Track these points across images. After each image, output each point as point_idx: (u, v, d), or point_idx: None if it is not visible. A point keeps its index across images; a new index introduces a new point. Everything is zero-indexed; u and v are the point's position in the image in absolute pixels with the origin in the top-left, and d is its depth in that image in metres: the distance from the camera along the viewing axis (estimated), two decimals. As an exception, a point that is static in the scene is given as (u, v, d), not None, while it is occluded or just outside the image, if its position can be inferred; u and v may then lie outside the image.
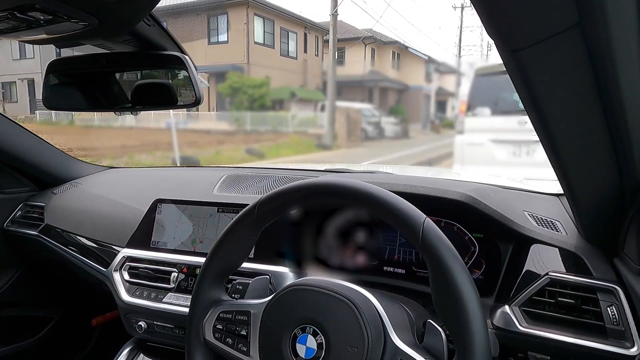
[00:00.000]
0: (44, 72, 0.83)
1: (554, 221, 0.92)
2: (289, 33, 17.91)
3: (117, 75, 0.90)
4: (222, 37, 16.20)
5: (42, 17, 0.55)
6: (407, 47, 22.26)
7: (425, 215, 0.57)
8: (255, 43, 16.43)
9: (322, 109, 15.35)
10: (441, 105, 25.74)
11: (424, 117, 22.97)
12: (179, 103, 0.87)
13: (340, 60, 20.14)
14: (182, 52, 0.80)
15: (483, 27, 0.47)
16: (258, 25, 16.37)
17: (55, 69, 0.84)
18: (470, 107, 4.66)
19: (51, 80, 0.85)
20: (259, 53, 16.55)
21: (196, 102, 0.84)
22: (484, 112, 4.53)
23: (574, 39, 0.46)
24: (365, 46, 19.72)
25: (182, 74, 0.84)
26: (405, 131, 18.73)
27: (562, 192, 0.84)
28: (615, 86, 0.50)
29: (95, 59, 0.80)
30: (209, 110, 15.15)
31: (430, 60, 23.82)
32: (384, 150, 13.51)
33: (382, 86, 21.54)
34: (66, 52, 0.78)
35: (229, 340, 0.68)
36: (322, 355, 0.59)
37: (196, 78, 0.81)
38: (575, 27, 0.45)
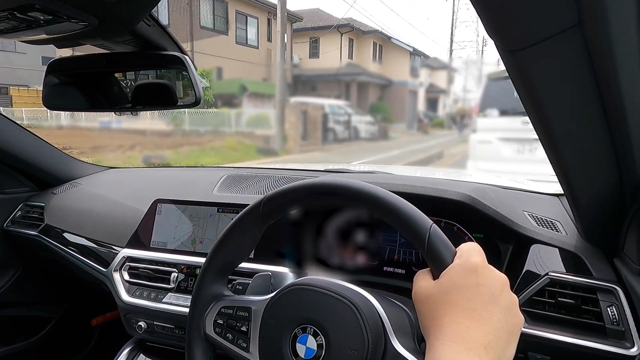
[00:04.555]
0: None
1: (554, 221, 0.92)
2: (248, 18, 15.10)
3: (119, 75, 0.90)
4: (163, 20, 14.40)
5: (42, 17, 0.55)
6: (389, 38, 19.89)
7: (432, 222, 0.57)
8: (202, 27, 13.57)
9: (284, 106, 12.62)
10: (432, 103, 23.77)
11: (410, 116, 20.72)
12: (178, 103, 0.87)
13: (314, 51, 17.59)
14: (182, 52, 0.80)
15: (481, 24, 0.47)
16: (206, 6, 13.68)
17: (55, 69, 0.84)
18: (482, 109, 5.16)
19: (51, 80, 0.85)
20: (208, 40, 13.60)
21: (196, 102, 0.84)
22: (493, 113, 5.03)
23: (574, 39, 0.46)
24: (342, 35, 17.36)
25: (182, 74, 0.84)
26: (383, 131, 16.35)
27: (562, 192, 0.84)
28: (615, 86, 0.50)
29: (95, 59, 0.80)
30: (147, 108, 13.10)
31: (415, 52, 21.43)
32: (347, 155, 11.07)
33: (360, 81, 18.94)
34: (62, 52, 0.78)
35: (229, 336, 0.68)
36: (322, 355, 0.58)
37: (196, 78, 0.81)
38: (575, 27, 0.45)
